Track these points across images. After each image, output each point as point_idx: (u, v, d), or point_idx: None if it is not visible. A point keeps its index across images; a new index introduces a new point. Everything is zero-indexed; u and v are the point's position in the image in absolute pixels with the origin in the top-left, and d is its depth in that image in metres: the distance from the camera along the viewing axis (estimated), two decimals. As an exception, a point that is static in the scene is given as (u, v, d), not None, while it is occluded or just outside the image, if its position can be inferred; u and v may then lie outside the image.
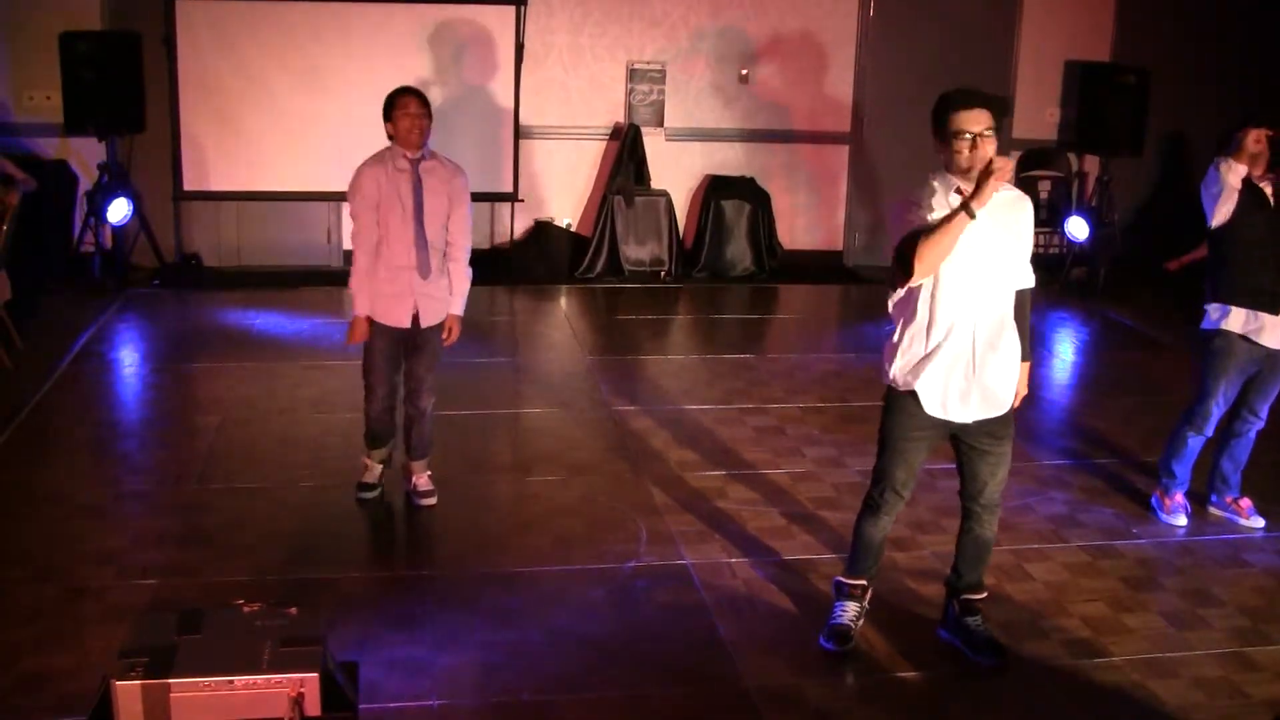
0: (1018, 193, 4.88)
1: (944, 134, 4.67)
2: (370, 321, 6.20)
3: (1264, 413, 6.48)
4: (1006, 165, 4.48)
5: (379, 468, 6.55)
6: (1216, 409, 6.39)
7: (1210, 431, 6.46)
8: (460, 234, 6.23)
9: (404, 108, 6.05)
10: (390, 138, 6.11)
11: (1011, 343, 4.88)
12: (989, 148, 4.58)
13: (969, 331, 4.78)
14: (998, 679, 5.09)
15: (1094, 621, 5.56)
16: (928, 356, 4.79)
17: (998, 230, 4.71)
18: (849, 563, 5.33)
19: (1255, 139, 6.17)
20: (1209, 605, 5.75)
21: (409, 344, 6.29)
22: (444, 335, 6.28)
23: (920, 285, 4.71)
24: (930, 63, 11.94)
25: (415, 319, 6.19)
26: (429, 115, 6.11)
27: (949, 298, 4.73)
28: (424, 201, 6.08)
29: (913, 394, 4.85)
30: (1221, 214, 6.24)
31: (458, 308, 6.29)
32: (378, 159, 6.15)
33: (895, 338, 4.89)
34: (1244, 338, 6.24)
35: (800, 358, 9.37)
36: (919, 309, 4.78)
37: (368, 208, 6.10)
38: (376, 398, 6.36)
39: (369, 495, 6.50)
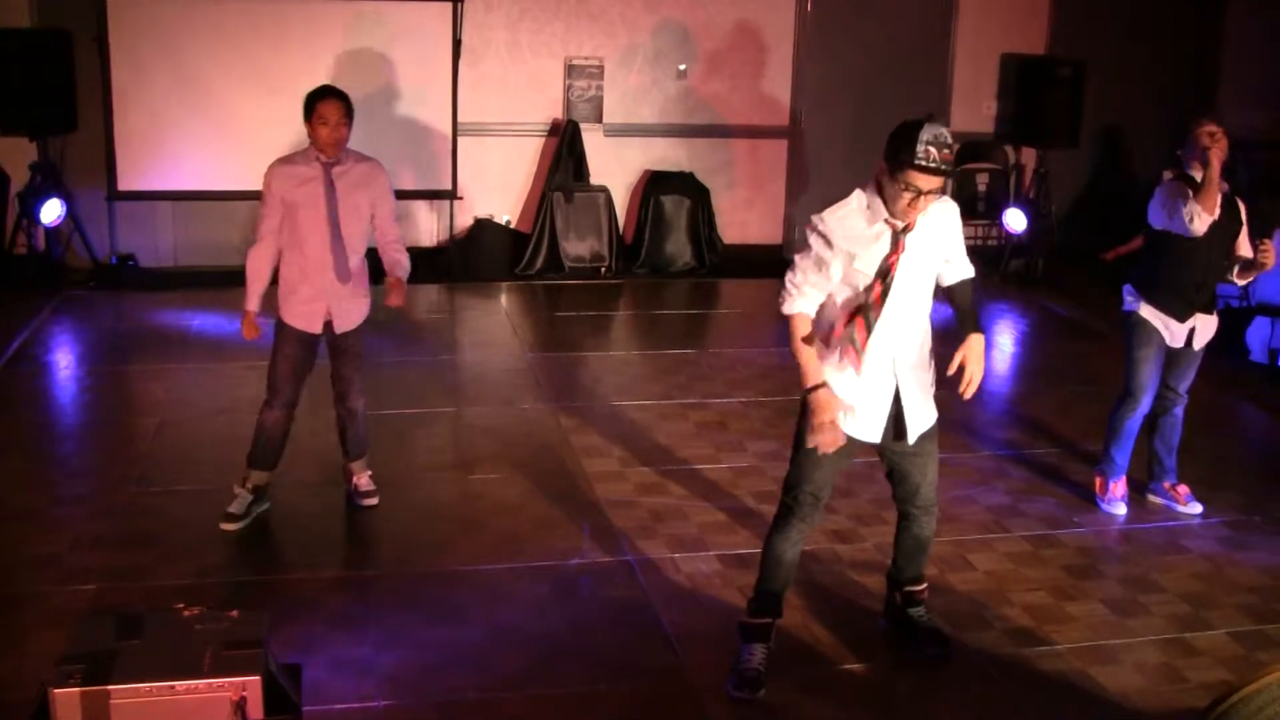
0: (943, 202, 4.70)
1: (895, 169, 4.41)
2: (283, 324, 6.10)
3: (1183, 389, 6.57)
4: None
5: (248, 496, 6.17)
6: (1147, 383, 6.47)
7: (1145, 406, 6.52)
8: (390, 227, 6.15)
9: (323, 118, 5.89)
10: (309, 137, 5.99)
11: (927, 355, 4.86)
12: (929, 205, 4.53)
13: (890, 361, 4.75)
14: (942, 669, 5.12)
15: (1036, 610, 5.60)
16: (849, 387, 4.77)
17: (925, 254, 4.66)
18: (755, 595, 5.03)
19: (1208, 132, 6.20)
20: (1149, 592, 5.81)
21: (331, 348, 6.22)
22: (392, 299, 6.05)
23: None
24: (868, 57, 12.01)
25: (329, 325, 6.10)
26: (350, 122, 5.97)
27: (874, 337, 4.68)
28: (339, 205, 5.98)
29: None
30: (1164, 223, 6.32)
31: (402, 272, 6.13)
32: (289, 160, 6.03)
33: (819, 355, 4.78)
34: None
35: (741, 352, 9.38)
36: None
37: (275, 210, 5.99)
38: (273, 406, 6.15)
39: (232, 527, 6.09)
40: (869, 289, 4.60)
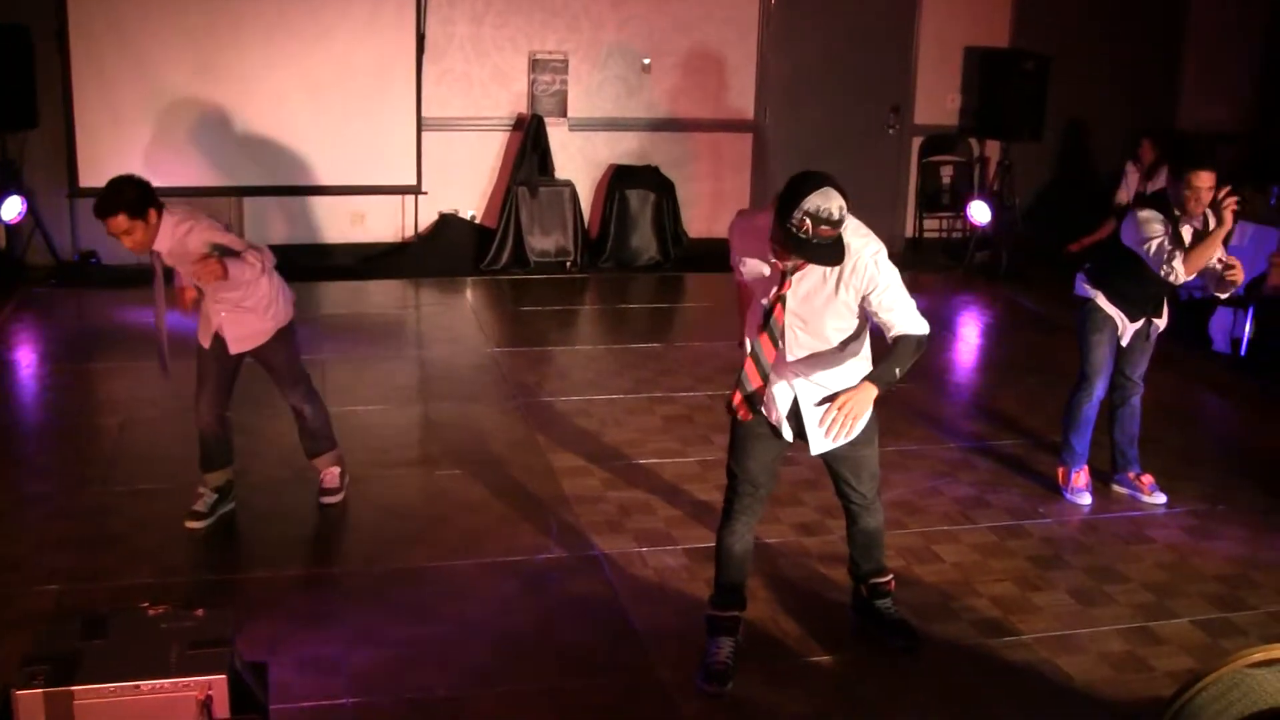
0: (854, 256, 4.47)
1: (782, 222, 4.27)
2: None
3: (1138, 377, 6.62)
4: None
5: (211, 495, 6.18)
6: (1101, 368, 6.51)
7: (1100, 391, 6.56)
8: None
9: (112, 232, 5.80)
10: None
11: (846, 376, 4.74)
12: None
13: (789, 382, 4.82)
14: (910, 660, 5.14)
15: (1003, 601, 5.62)
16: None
17: (822, 295, 4.59)
18: (715, 589, 5.05)
19: (1208, 188, 6.10)
20: (1114, 582, 5.84)
21: (262, 364, 6.22)
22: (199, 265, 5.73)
23: None
24: (832, 51, 12.04)
25: (219, 339, 6.06)
26: (139, 220, 5.78)
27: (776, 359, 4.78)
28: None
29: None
30: (1136, 248, 6.28)
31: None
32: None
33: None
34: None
35: (707, 346, 9.38)
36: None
37: None
38: (198, 411, 6.19)
39: (197, 525, 6.09)
40: (768, 312, 4.61)
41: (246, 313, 6.00)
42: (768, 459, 4.94)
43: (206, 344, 6.08)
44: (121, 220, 5.69)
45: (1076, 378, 6.61)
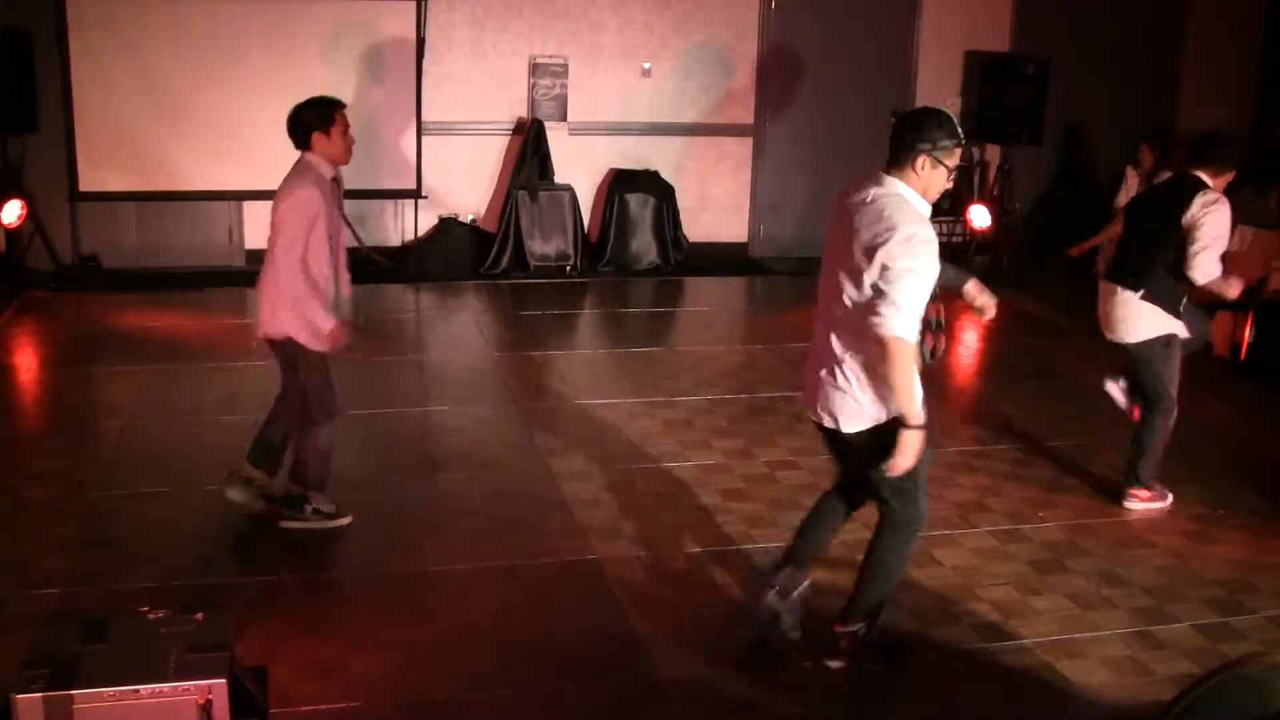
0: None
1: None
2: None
3: (1148, 399, 6.65)
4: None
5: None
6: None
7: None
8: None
9: (346, 124, 5.91)
10: (305, 149, 5.89)
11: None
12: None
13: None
14: (911, 666, 5.13)
15: (1003, 605, 5.62)
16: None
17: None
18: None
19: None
20: (1114, 586, 5.84)
21: None
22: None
23: None
24: (832, 55, 12.05)
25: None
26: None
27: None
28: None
29: None
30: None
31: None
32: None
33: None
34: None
35: (707, 350, 9.39)
36: None
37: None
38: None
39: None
40: None
41: (269, 303, 5.97)
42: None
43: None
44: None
45: (1162, 401, 6.59)
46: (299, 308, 5.79)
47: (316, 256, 5.79)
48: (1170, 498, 6.73)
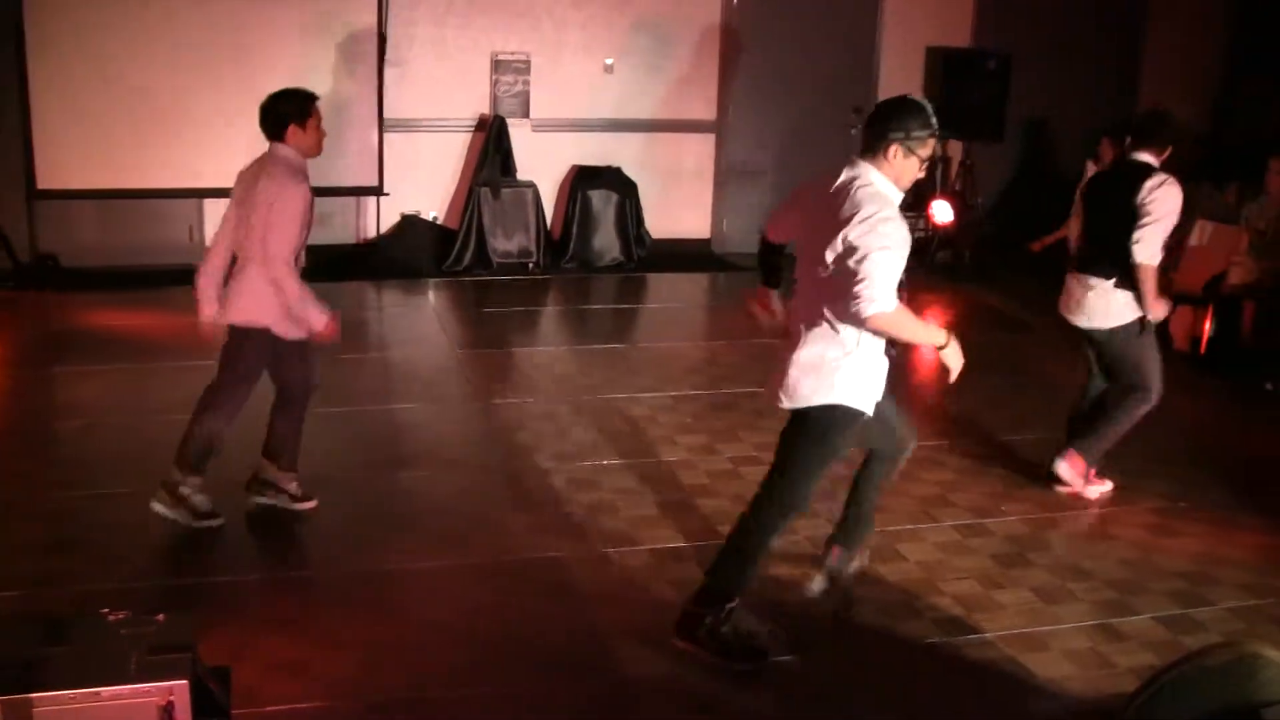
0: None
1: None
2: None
3: (1128, 387, 6.69)
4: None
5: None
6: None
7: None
8: None
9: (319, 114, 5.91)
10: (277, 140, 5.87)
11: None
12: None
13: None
14: (874, 660, 5.15)
15: (966, 599, 5.64)
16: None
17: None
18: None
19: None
20: (1077, 579, 5.87)
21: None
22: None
23: None
24: (794, 51, 12.07)
25: None
26: None
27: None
28: None
29: None
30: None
31: None
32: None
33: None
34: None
35: (671, 346, 9.39)
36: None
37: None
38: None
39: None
40: None
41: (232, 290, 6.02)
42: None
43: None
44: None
45: (1141, 391, 6.64)
46: (292, 305, 5.81)
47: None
48: (1108, 487, 6.76)
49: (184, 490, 6.01)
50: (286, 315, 5.86)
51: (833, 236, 4.56)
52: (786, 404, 4.87)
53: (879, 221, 4.50)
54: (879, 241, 4.48)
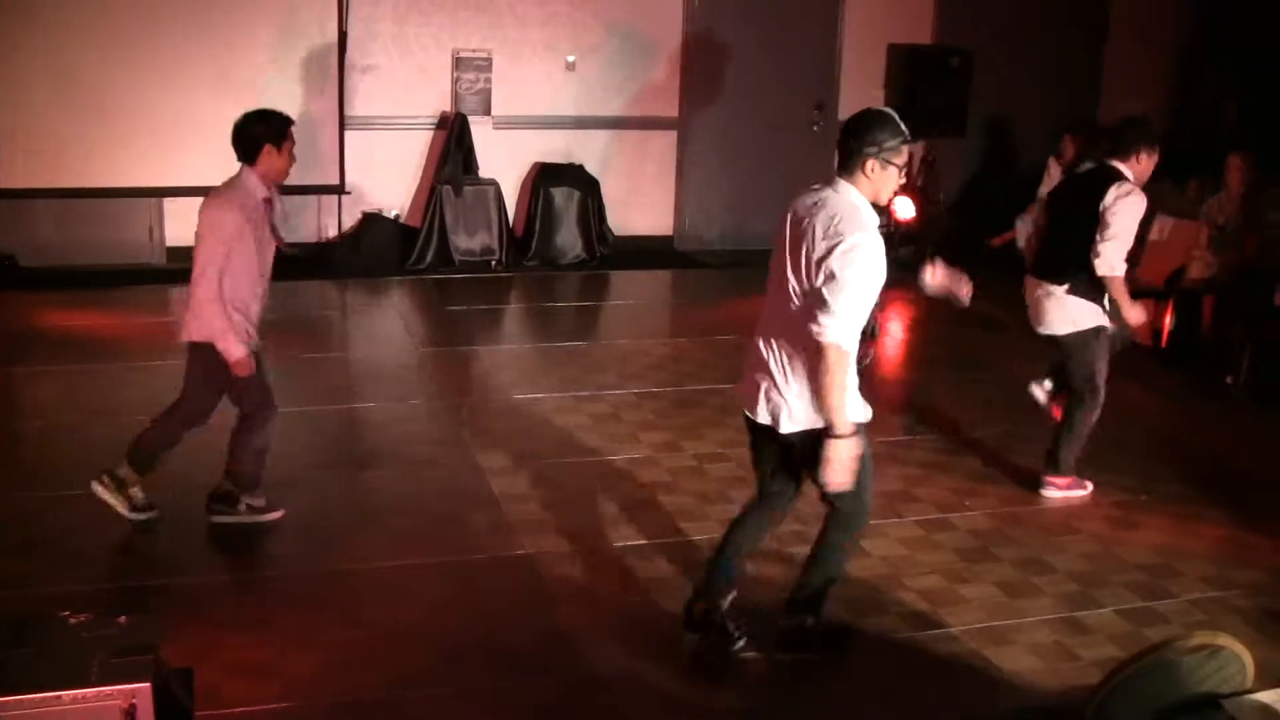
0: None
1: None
2: None
3: (1075, 389, 6.72)
4: None
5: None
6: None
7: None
8: None
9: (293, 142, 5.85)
10: (248, 163, 5.80)
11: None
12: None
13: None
14: (841, 655, 5.16)
15: (931, 594, 5.66)
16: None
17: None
18: None
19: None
20: (1041, 573, 5.90)
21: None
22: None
23: None
24: (756, 47, 12.07)
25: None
26: None
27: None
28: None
29: None
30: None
31: None
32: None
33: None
34: None
35: (634, 344, 9.39)
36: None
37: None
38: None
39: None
40: None
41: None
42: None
43: None
44: None
45: (1091, 396, 6.64)
46: (210, 330, 5.72)
47: (237, 282, 5.73)
48: (1090, 487, 6.81)
49: (123, 477, 6.02)
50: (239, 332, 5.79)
51: (810, 259, 4.54)
52: (788, 428, 4.76)
53: (863, 253, 4.48)
54: (858, 273, 4.46)
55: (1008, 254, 9.77)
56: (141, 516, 6.05)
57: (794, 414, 4.72)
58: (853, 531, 5.03)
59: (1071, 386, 6.72)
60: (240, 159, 5.79)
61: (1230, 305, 8.83)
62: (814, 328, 4.45)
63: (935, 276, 5.32)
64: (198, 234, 5.70)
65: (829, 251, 4.47)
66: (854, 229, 4.49)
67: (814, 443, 4.67)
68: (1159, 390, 8.67)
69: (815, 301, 4.48)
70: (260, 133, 5.75)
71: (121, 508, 6.02)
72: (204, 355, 5.84)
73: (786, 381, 4.70)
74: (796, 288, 4.61)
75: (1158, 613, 5.57)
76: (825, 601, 5.10)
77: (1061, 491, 6.76)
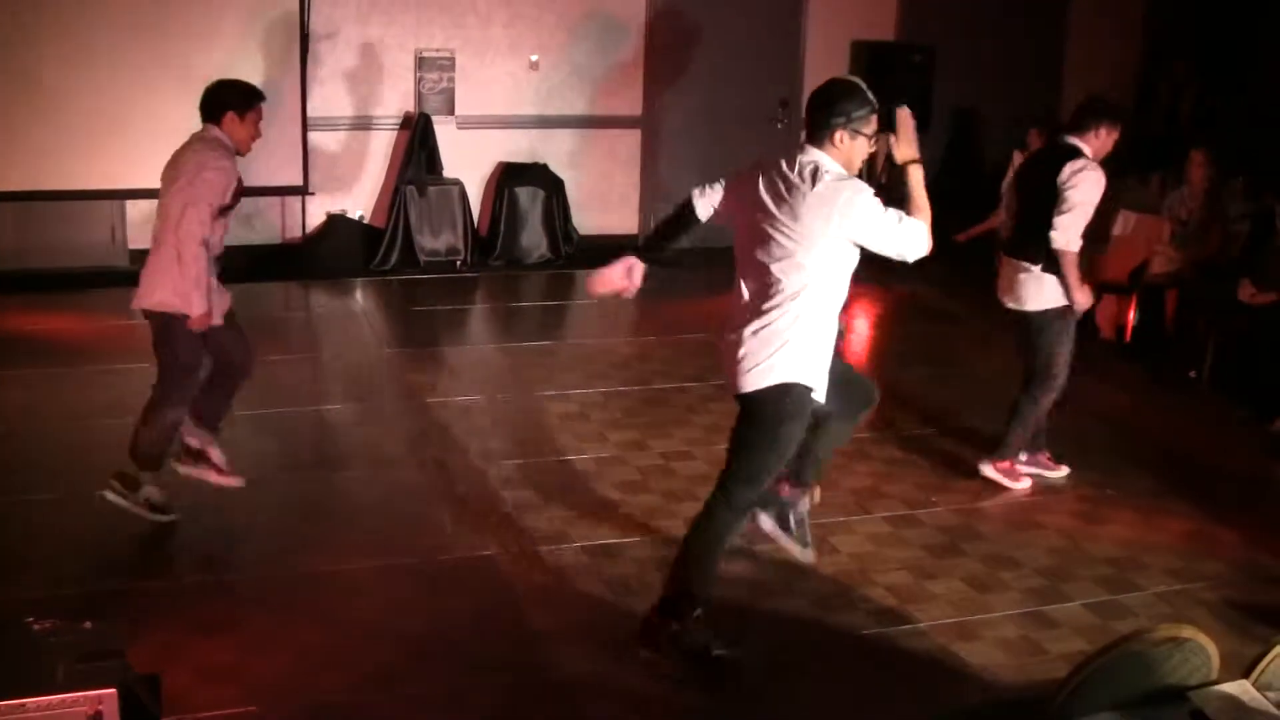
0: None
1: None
2: None
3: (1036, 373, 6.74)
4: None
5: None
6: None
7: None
8: None
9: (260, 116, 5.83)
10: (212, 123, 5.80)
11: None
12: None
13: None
14: (809, 652, 5.17)
15: (899, 590, 5.67)
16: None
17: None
18: None
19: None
20: (1007, 568, 5.92)
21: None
22: None
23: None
24: (719, 45, 12.08)
25: None
26: None
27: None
28: None
29: None
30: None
31: None
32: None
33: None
34: None
35: (600, 342, 9.38)
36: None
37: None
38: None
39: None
40: None
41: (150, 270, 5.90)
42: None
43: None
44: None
45: (1048, 380, 6.67)
46: (183, 281, 5.68)
47: (215, 235, 5.76)
48: (1029, 483, 6.83)
49: (141, 480, 5.97)
50: (184, 298, 5.73)
51: (800, 228, 4.61)
52: (745, 388, 4.73)
53: (861, 198, 4.71)
54: (874, 214, 4.75)
55: (973, 249, 9.80)
56: (160, 518, 6.02)
57: (764, 373, 4.71)
58: (740, 522, 4.97)
59: (1030, 369, 6.73)
60: (204, 120, 5.79)
61: (1193, 300, 8.88)
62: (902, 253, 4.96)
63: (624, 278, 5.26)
64: (185, 192, 5.64)
65: (840, 223, 4.72)
66: (845, 187, 4.71)
67: (770, 400, 4.66)
68: (1123, 385, 8.71)
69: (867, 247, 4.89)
70: (225, 98, 5.79)
71: (141, 511, 5.98)
72: (169, 323, 5.82)
73: (768, 339, 4.71)
74: (779, 248, 4.66)
75: (1124, 606, 5.60)
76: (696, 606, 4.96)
77: (997, 474, 6.77)
